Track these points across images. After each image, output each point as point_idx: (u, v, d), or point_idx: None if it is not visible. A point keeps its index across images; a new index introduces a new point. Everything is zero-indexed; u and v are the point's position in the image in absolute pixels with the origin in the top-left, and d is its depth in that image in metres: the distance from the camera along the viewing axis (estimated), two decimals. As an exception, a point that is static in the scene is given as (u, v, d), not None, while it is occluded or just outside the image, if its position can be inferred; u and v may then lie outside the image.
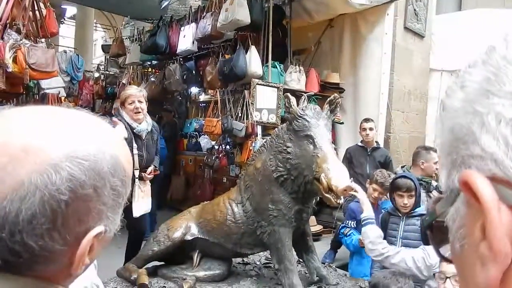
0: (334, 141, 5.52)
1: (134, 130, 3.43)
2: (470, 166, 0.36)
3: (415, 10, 6.24)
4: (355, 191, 2.47)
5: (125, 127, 3.38)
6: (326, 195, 2.16)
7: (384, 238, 3.12)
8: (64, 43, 12.12)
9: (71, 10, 12.67)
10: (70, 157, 0.50)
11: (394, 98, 5.98)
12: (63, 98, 6.28)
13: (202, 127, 6.07)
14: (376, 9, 5.83)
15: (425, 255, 2.37)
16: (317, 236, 4.79)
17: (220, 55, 5.80)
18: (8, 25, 3.89)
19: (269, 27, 5.26)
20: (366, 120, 4.74)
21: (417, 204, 3.01)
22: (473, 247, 0.35)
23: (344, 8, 5.76)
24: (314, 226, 4.82)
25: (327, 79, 5.95)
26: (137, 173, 3.42)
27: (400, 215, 3.03)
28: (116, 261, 3.38)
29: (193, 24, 5.93)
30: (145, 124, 3.52)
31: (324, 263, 3.12)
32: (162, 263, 2.81)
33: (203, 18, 5.65)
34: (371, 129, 4.66)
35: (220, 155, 6.19)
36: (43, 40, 4.42)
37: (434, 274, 1.90)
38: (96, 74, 9.62)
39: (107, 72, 9.53)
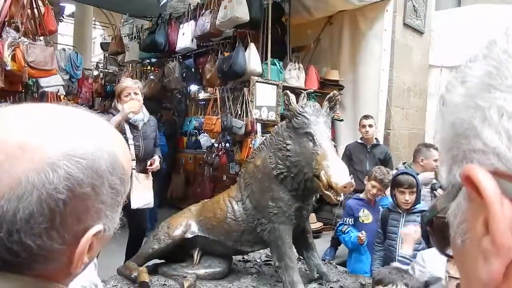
0: (334, 138, 5.52)
1: (130, 120, 3.44)
2: (472, 161, 0.36)
3: (414, 6, 6.23)
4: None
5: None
6: (326, 192, 2.16)
7: (384, 235, 3.14)
8: (62, 41, 12.09)
9: (69, 8, 12.63)
10: (67, 156, 0.49)
11: (393, 95, 5.97)
12: (62, 96, 6.26)
13: (202, 125, 6.06)
14: (375, 6, 5.82)
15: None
16: (317, 233, 4.79)
17: (219, 52, 5.78)
18: (6, 23, 3.88)
19: (268, 24, 5.24)
20: (366, 117, 4.74)
21: (417, 200, 3.01)
22: (475, 242, 0.35)
23: (343, 5, 5.75)
24: (314, 223, 4.82)
25: (326, 76, 5.94)
26: (133, 164, 3.42)
27: (401, 211, 3.03)
28: (116, 259, 3.38)
29: (192, 22, 5.92)
30: (141, 115, 3.53)
31: (324, 260, 3.13)
32: (163, 261, 2.81)
33: (201, 16, 5.64)
34: (370, 126, 4.66)
35: (220, 153, 6.19)
36: (41, 38, 4.40)
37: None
38: (95, 72, 9.60)
39: (106, 70, 9.51)
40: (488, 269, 0.33)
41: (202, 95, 8.38)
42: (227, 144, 6.14)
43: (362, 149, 4.71)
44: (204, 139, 7.71)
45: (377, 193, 3.47)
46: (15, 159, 0.48)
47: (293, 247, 2.56)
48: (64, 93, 6.63)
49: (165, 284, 2.54)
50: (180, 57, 6.80)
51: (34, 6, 4.23)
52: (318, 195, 2.47)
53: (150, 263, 2.82)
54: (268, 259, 2.98)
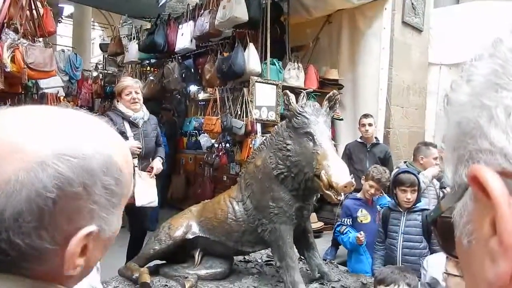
0: (334, 137, 5.51)
1: (130, 118, 3.47)
2: (478, 161, 0.35)
3: (412, 4, 6.22)
4: None
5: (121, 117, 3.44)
6: (327, 192, 2.16)
7: (385, 234, 3.14)
8: (61, 42, 12.07)
9: (68, 8, 12.62)
10: (57, 155, 0.49)
11: (393, 93, 5.96)
12: (62, 98, 6.26)
13: (202, 125, 6.06)
14: (374, 4, 5.82)
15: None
16: (318, 233, 4.79)
17: (219, 53, 5.78)
18: (5, 25, 3.87)
19: (267, 24, 5.24)
20: (365, 116, 4.74)
21: (418, 199, 3.01)
22: (482, 243, 0.35)
23: (342, 4, 5.75)
24: (315, 223, 4.82)
25: (326, 76, 5.94)
26: (136, 161, 3.44)
27: (401, 210, 3.03)
28: (118, 260, 3.38)
29: (191, 22, 5.91)
30: (141, 113, 3.56)
31: (325, 260, 3.13)
32: (164, 261, 2.81)
33: (200, 16, 5.63)
34: (370, 125, 4.66)
35: (220, 153, 6.19)
36: (40, 39, 4.40)
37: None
38: (95, 73, 9.60)
39: (106, 71, 9.50)
40: (495, 270, 0.33)
41: (201, 96, 8.38)
42: (227, 145, 6.14)
43: (362, 148, 4.71)
44: (204, 140, 7.71)
45: (375, 193, 3.47)
46: (6, 158, 0.48)
47: (294, 247, 2.56)
48: (64, 95, 6.61)
49: (167, 285, 2.54)
50: (179, 57, 6.80)
51: (33, 7, 4.23)
52: (319, 194, 2.47)
53: (152, 263, 2.82)
54: (269, 259, 2.98)
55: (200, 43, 6.15)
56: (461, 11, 6.89)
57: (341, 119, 5.95)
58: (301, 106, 2.37)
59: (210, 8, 5.51)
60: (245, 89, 5.12)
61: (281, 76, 5.43)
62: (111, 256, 3.28)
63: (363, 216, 3.52)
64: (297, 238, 2.58)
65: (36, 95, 4.81)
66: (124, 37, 8.07)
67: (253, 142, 4.82)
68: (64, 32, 14.38)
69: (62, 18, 11.77)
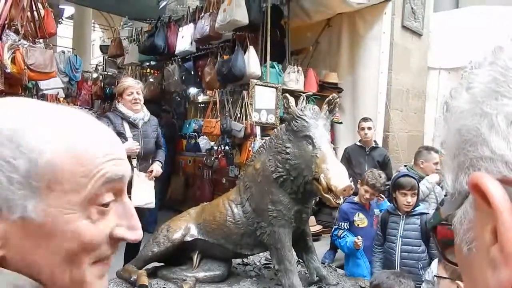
0: (333, 141, 5.52)
1: (130, 119, 3.48)
2: (479, 168, 0.35)
3: (412, 8, 6.25)
4: None
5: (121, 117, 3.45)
6: (326, 195, 2.16)
7: (384, 238, 3.14)
8: (62, 44, 12.09)
9: (69, 10, 12.63)
10: None
11: (392, 97, 5.98)
12: (61, 99, 6.26)
13: (201, 127, 6.07)
14: (374, 8, 5.84)
15: None
16: (316, 236, 4.79)
17: (219, 55, 5.79)
18: (6, 26, 3.88)
19: (267, 27, 5.26)
20: (365, 119, 4.75)
21: (417, 203, 3.02)
22: (483, 250, 0.35)
23: (342, 7, 5.77)
24: (313, 226, 4.82)
25: (325, 79, 5.95)
26: (134, 162, 3.44)
27: (400, 214, 3.03)
28: (115, 262, 3.38)
29: (191, 25, 5.93)
30: (141, 114, 3.57)
31: (324, 263, 3.13)
32: (162, 264, 2.81)
33: (201, 19, 5.64)
34: (369, 128, 4.67)
35: (219, 156, 6.19)
36: (41, 40, 4.41)
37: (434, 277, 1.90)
38: (95, 75, 9.60)
39: (106, 73, 9.51)
40: (497, 278, 0.33)
41: (201, 98, 8.38)
42: (227, 147, 6.14)
43: (361, 152, 4.71)
44: (204, 142, 7.71)
45: (370, 198, 3.47)
46: None
47: (293, 250, 2.56)
48: (64, 96, 6.63)
49: (165, 287, 2.54)
50: (179, 60, 6.81)
51: (34, 8, 4.24)
52: (318, 198, 2.47)
53: (150, 266, 2.81)
54: (268, 262, 2.98)
55: (200, 46, 6.16)
56: (461, 16, 6.91)
57: (341, 123, 5.96)
58: (301, 110, 2.37)
59: (211, 11, 5.53)
60: (244, 92, 5.13)
61: (280, 79, 5.44)
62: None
63: (360, 220, 3.52)
64: (295, 241, 2.58)
65: (36, 96, 4.81)
66: (124, 39, 8.08)
67: (252, 145, 4.82)
68: (65, 34, 14.40)
69: (62, 19, 11.79)
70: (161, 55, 6.69)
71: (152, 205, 3.58)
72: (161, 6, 7.13)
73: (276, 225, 2.41)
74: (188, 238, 2.66)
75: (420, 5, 6.40)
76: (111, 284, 2.61)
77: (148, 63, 7.91)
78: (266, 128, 5.12)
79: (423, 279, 2.58)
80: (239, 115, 5.15)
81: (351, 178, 2.22)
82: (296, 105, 2.48)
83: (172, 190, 7.15)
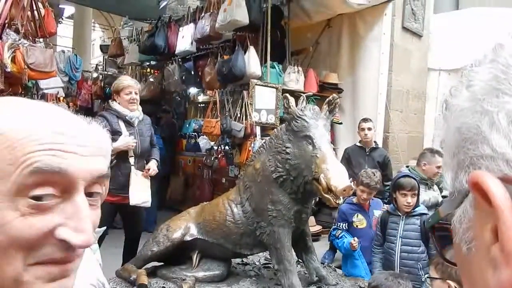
0: (333, 141, 5.52)
1: (126, 117, 3.48)
2: (479, 167, 0.35)
3: (412, 9, 6.26)
4: None
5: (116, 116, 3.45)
6: (326, 195, 2.16)
7: (384, 238, 3.14)
8: (62, 43, 12.08)
9: (69, 9, 12.64)
10: None
11: (392, 98, 5.99)
12: (61, 98, 6.27)
13: (201, 127, 6.07)
14: (374, 9, 5.85)
15: None
16: (316, 237, 4.80)
17: (219, 55, 5.80)
18: (6, 25, 3.88)
19: (268, 27, 5.26)
20: (365, 120, 4.75)
21: (417, 203, 3.02)
22: (483, 250, 0.35)
23: (342, 8, 5.78)
24: (313, 226, 4.83)
25: (325, 79, 5.96)
26: (132, 160, 3.45)
27: (400, 214, 3.03)
28: (115, 262, 3.39)
29: (192, 25, 5.93)
30: (137, 113, 3.58)
31: (323, 263, 3.13)
32: (162, 263, 2.81)
33: (201, 19, 5.65)
34: (369, 129, 4.67)
35: (219, 156, 6.19)
36: (41, 40, 4.41)
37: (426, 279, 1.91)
38: (95, 74, 9.60)
39: (106, 72, 9.51)
40: (497, 278, 0.33)
41: (201, 98, 8.39)
42: (227, 147, 6.14)
43: (361, 152, 4.72)
44: (203, 142, 7.72)
45: (367, 198, 3.47)
46: None
47: (292, 250, 2.56)
48: (64, 95, 6.63)
49: (164, 287, 2.54)
50: (179, 59, 6.82)
51: (34, 8, 4.24)
52: (318, 198, 2.47)
53: (149, 265, 2.81)
54: (267, 262, 2.98)
55: (201, 46, 6.16)
56: (461, 17, 6.92)
57: (340, 123, 5.97)
58: (301, 110, 2.37)
59: (211, 11, 5.53)
60: (245, 92, 5.13)
61: (281, 80, 5.45)
62: (108, 257, 3.26)
63: (359, 221, 3.52)
64: (295, 241, 2.58)
65: (36, 96, 4.81)
66: (124, 38, 8.09)
67: (252, 145, 4.83)
68: (65, 33, 14.40)
69: (62, 19, 11.79)
70: (161, 55, 6.69)
71: (148, 204, 3.59)
72: (161, 6, 7.13)
73: (276, 225, 2.41)
74: (188, 238, 2.65)
75: (420, 7, 6.41)
76: (111, 283, 2.61)
77: (148, 63, 7.92)
78: (266, 128, 5.12)
79: (422, 280, 2.58)
80: (239, 115, 5.15)
81: (351, 179, 2.22)
82: (296, 105, 2.48)
83: (172, 190, 7.15)
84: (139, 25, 8.16)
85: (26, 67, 3.72)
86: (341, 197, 2.20)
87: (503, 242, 0.32)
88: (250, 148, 4.83)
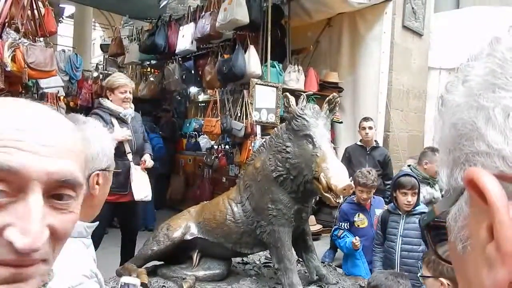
0: (333, 140, 5.52)
1: (120, 115, 3.49)
2: (475, 164, 0.34)
3: (413, 8, 6.25)
4: None
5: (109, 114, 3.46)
6: (326, 194, 2.16)
7: (384, 237, 3.14)
8: (62, 42, 12.07)
9: (69, 9, 12.64)
10: None
11: (392, 97, 5.98)
12: (62, 97, 6.27)
13: (202, 127, 6.07)
14: (375, 8, 5.84)
15: None
16: (316, 236, 4.80)
17: (219, 55, 5.79)
18: (6, 24, 3.88)
19: (268, 26, 5.25)
20: (366, 119, 4.75)
21: (417, 202, 3.02)
22: (478, 249, 0.34)
23: (342, 7, 5.77)
24: (313, 225, 4.83)
25: (326, 79, 5.96)
26: (130, 156, 3.47)
27: (401, 213, 3.03)
28: (115, 261, 3.40)
29: (192, 24, 5.93)
30: (130, 110, 3.59)
31: (323, 262, 3.13)
32: (162, 262, 2.81)
33: (201, 18, 5.64)
34: (370, 128, 4.67)
35: (220, 155, 6.19)
36: (41, 39, 4.40)
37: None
38: (95, 74, 9.60)
39: (106, 72, 9.51)
40: (493, 277, 0.32)
41: (201, 97, 8.40)
42: (227, 146, 6.15)
43: (362, 151, 4.71)
44: (204, 141, 7.72)
45: (367, 197, 3.47)
46: None
47: (293, 249, 2.56)
48: (64, 94, 6.63)
49: (164, 286, 2.54)
50: (180, 59, 6.82)
51: (34, 7, 4.23)
52: (318, 197, 2.47)
53: (150, 264, 2.81)
54: (268, 261, 2.98)
55: (201, 45, 6.16)
56: (461, 16, 6.91)
57: (341, 122, 5.96)
58: (301, 109, 2.37)
59: (211, 10, 5.53)
60: (245, 91, 5.13)
61: (281, 79, 5.44)
62: (108, 256, 3.27)
63: (360, 220, 3.52)
64: (295, 240, 2.58)
65: (36, 95, 4.81)
66: (124, 38, 8.08)
67: (252, 144, 4.83)
68: (65, 32, 14.39)
69: (63, 18, 11.79)
70: (162, 54, 6.69)
71: (149, 198, 3.63)
72: (161, 5, 7.12)
73: (276, 224, 2.41)
74: (188, 237, 2.66)
75: (420, 5, 6.40)
76: (111, 283, 2.60)
77: (148, 62, 7.92)
78: (266, 127, 5.12)
79: None
80: (239, 114, 5.15)
81: (351, 178, 2.22)
82: (297, 104, 2.48)
83: (172, 189, 7.15)
84: (140, 24, 8.16)
85: (26, 66, 3.72)
86: (341, 196, 2.20)
87: (499, 241, 0.31)
88: (250, 147, 4.83)
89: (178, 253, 2.72)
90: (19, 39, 3.83)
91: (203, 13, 5.71)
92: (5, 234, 0.49)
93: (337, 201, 2.19)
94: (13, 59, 3.70)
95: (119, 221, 3.83)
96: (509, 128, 0.32)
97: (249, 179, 2.57)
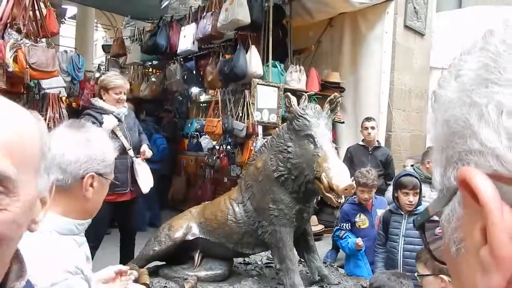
0: (335, 140, 5.51)
1: (114, 114, 3.48)
2: (468, 163, 0.33)
3: (415, 8, 6.23)
4: None
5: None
6: (327, 194, 2.16)
7: (386, 237, 3.13)
8: (64, 43, 12.10)
9: (71, 10, 12.66)
10: None
11: (394, 97, 5.97)
12: (64, 98, 6.27)
13: (203, 127, 6.07)
14: (376, 8, 5.83)
15: None
16: (318, 236, 4.79)
17: (221, 55, 5.79)
18: (8, 25, 3.89)
19: (269, 26, 5.25)
20: (368, 119, 4.74)
21: (419, 202, 3.01)
22: (472, 252, 0.33)
23: (344, 7, 5.76)
24: (315, 225, 4.82)
25: (327, 78, 5.94)
26: (131, 152, 3.48)
27: (403, 213, 3.03)
28: (115, 261, 3.40)
29: (193, 24, 5.92)
30: (124, 109, 3.59)
31: (325, 263, 3.12)
32: (164, 263, 2.81)
33: (203, 18, 5.64)
34: (373, 128, 4.66)
35: (221, 155, 6.19)
36: (43, 40, 4.41)
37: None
38: (97, 74, 9.60)
39: (108, 72, 9.51)
40: (487, 282, 0.31)
41: (203, 98, 8.39)
42: (228, 146, 6.14)
43: (364, 151, 4.71)
44: (205, 141, 7.71)
45: (369, 197, 3.46)
46: None
47: (294, 249, 2.55)
48: (66, 95, 6.63)
49: (166, 286, 2.54)
50: (181, 59, 6.81)
51: (36, 8, 4.24)
52: (319, 197, 2.47)
53: (151, 264, 2.81)
54: (269, 261, 2.98)
55: (202, 45, 6.16)
56: (464, 16, 6.89)
57: (342, 122, 5.95)
58: (302, 109, 2.37)
59: (213, 10, 5.53)
60: (246, 91, 5.13)
61: (282, 79, 5.44)
62: (108, 257, 3.26)
63: (361, 221, 3.52)
64: (297, 240, 2.58)
65: (38, 95, 4.82)
66: (126, 38, 8.08)
67: (254, 144, 4.82)
68: (67, 33, 14.42)
69: (65, 19, 11.81)
70: (163, 55, 6.69)
71: (147, 190, 3.63)
72: (163, 6, 7.12)
73: (278, 224, 2.41)
74: (190, 237, 2.66)
75: (422, 5, 6.38)
76: (112, 283, 2.61)
77: (150, 63, 7.92)
78: (268, 128, 5.11)
79: None
80: (241, 114, 5.14)
81: (352, 177, 2.22)
82: (298, 104, 2.48)
83: (174, 190, 7.15)
84: (141, 25, 8.17)
85: (28, 66, 3.73)
86: (342, 196, 2.20)
87: (492, 245, 0.30)
88: (252, 148, 4.82)
89: (179, 254, 2.72)
90: (21, 39, 3.84)
91: (204, 14, 5.71)
92: None
93: (339, 201, 2.19)
94: (15, 59, 3.71)
95: (117, 221, 3.83)
96: (503, 126, 0.31)
97: (250, 179, 2.57)
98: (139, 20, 8.48)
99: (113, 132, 3.38)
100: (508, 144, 0.30)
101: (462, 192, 0.33)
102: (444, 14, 7.23)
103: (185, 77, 6.64)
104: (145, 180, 3.51)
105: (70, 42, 13.36)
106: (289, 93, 2.55)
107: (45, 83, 4.84)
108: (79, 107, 8.20)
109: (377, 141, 4.85)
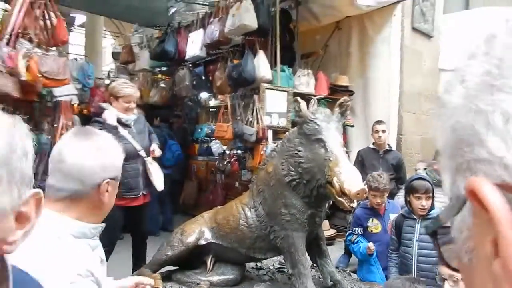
0: (345, 144, 5.49)
1: (123, 120, 3.52)
2: (477, 172, 0.32)
3: (422, 10, 6.21)
4: None
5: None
6: (339, 198, 2.15)
7: (399, 242, 3.10)
8: (74, 51, 12.23)
9: (80, 18, 12.80)
10: None
11: (404, 100, 5.94)
12: (75, 105, 6.34)
13: (213, 132, 6.10)
14: (383, 10, 5.82)
15: None
16: (330, 241, 4.77)
17: (229, 60, 5.81)
18: (20, 35, 3.96)
19: (276, 31, 5.27)
20: (379, 122, 4.72)
21: (432, 206, 2.98)
22: (484, 262, 0.32)
23: (350, 10, 5.76)
24: (327, 230, 4.80)
25: (336, 82, 5.94)
26: (143, 153, 3.53)
27: (416, 217, 2.99)
28: (128, 265, 3.43)
29: (201, 30, 5.96)
30: (134, 116, 3.64)
31: (338, 268, 3.11)
32: (176, 267, 2.82)
33: (210, 24, 5.67)
34: (383, 131, 4.64)
35: (232, 160, 6.20)
36: (54, 48, 4.47)
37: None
38: (107, 81, 9.69)
39: (118, 79, 9.58)
40: None
41: (212, 103, 8.42)
42: (239, 151, 6.15)
43: (375, 155, 4.68)
44: (216, 146, 7.73)
45: (381, 201, 3.44)
46: None
47: (307, 254, 2.55)
48: (77, 102, 6.71)
49: (179, 292, 2.55)
50: (190, 65, 6.85)
51: (47, 17, 4.31)
52: (331, 201, 2.46)
53: (164, 269, 2.83)
54: (281, 266, 2.97)
55: (210, 51, 6.18)
56: (471, 17, 6.85)
57: (352, 126, 5.93)
58: (312, 113, 2.37)
59: (220, 16, 5.56)
60: (255, 96, 5.14)
61: (291, 83, 5.45)
62: (122, 262, 3.27)
63: (374, 226, 3.49)
64: (309, 245, 2.57)
65: (50, 103, 4.88)
66: (135, 45, 8.15)
67: (264, 149, 4.83)
68: (76, 41, 14.58)
69: (74, 27, 11.95)
70: (172, 61, 6.73)
71: (162, 186, 3.68)
72: (171, 12, 7.17)
73: (290, 229, 2.41)
74: (202, 242, 2.66)
75: (429, 7, 6.35)
76: None
77: (159, 69, 7.97)
78: (278, 132, 5.12)
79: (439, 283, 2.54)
80: (250, 119, 5.16)
81: (364, 181, 2.21)
82: (307, 108, 2.48)
83: (185, 195, 7.18)
84: (149, 32, 8.22)
85: (40, 75, 3.78)
86: (355, 201, 2.19)
87: (504, 259, 0.29)
88: (262, 152, 4.83)
89: (192, 258, 2.73)
90: (33, 49, 3.90)
91: (211, 19, 5.74)
92: None
93: (351, 205, 2.18)
94: (28, 68, 3.77)
95: (129, 225, 3.86)
96: (510, 135, 0.30)
97: (261, 184, 2.57)
98: (147, 27, 8.54)
99: (122, 136, 3.41)
100: None
101: (472, 202, 0.32)
102: (452, 15, 7.19)
103: (194, 82, 6.67)
104: (158, 179, 3.57)
105: (80, 50, 13.50)
106: (298, 98, 2.55)
107: (57, 91, 4.91)
108: (90, 114, 8.28)
109: (388, 144, 4.82)
